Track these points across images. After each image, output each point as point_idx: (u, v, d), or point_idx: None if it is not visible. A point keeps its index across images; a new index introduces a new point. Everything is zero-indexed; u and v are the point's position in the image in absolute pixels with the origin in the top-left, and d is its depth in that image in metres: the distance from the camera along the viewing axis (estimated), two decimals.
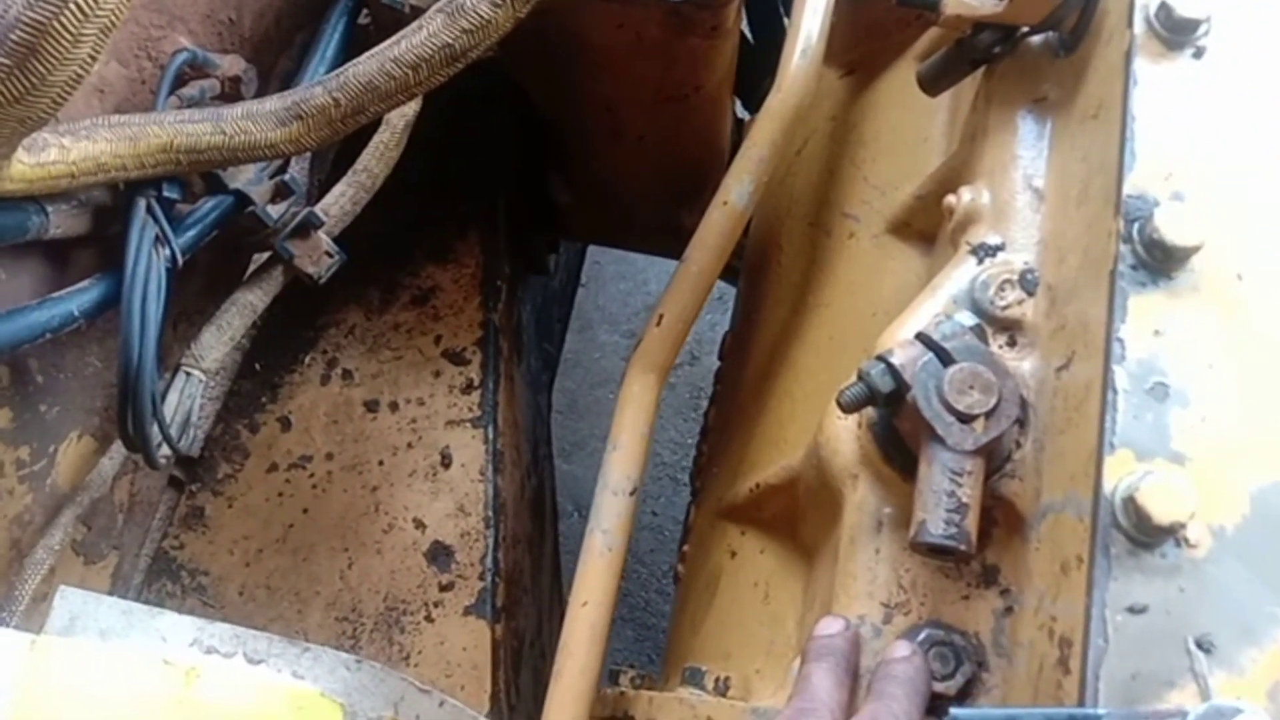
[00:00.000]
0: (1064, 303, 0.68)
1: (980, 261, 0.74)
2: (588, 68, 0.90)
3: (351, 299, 1.11)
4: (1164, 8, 0.63)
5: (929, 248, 0.94)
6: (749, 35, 1.45)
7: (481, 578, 1.00)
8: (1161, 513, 0.52)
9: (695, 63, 1.00)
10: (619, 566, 0.87)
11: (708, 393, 1.56)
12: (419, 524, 1.01)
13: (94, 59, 0.64)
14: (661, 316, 0.94)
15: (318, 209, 0.94)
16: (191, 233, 0.86)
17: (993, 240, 0.75)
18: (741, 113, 1.46)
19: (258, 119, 0.81)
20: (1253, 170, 0.61)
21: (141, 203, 0.81)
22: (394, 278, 1.12)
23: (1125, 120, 0.62)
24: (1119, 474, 0.54)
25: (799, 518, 0.86)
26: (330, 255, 0.93)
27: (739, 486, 0.97)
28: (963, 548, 0.62)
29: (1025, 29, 0.78)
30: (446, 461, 1.04)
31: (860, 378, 0.68)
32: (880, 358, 0.68)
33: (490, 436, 1.05)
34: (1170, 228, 0.57)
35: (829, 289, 1.00)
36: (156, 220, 0.81)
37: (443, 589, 1.00)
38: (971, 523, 0.62)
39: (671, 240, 1.42)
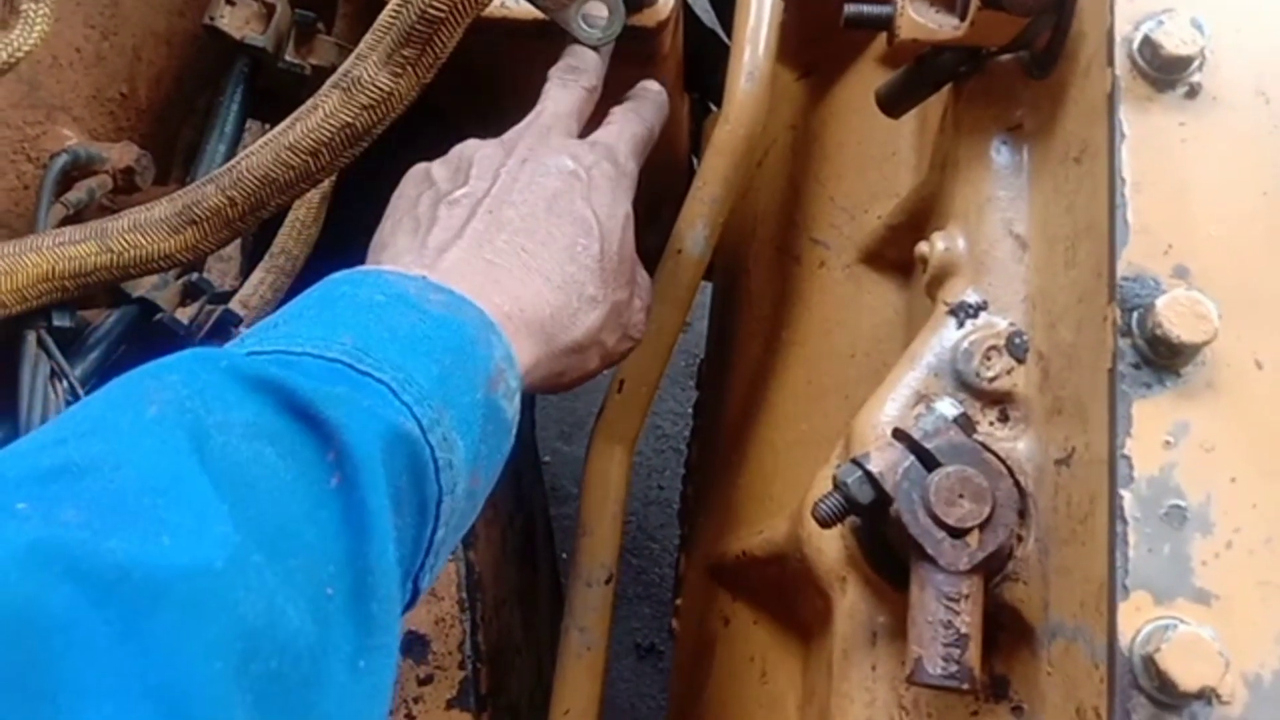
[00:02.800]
0: (1058, 380, 0.60)
1: (960, 324, 0.66)
2: (524, 105, 0.81)
3: None
4: (1149, 45, 0.55)
5: (904, 279, 0.86)
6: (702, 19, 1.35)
7: (462, 666, 0.94)
8: (1189, 677, 0.45)
9: None
10: (600, 666, 0.80)
11: (702, 358, 1.49)
12: None
13: None
14: (623, 383, 0.86)
15: (235, 303, 0.86)
16: (94, 354, 0.78)
17: (973, 298, 0.67)
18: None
19: (147, 229, 0.73)
20: (1263, 231, 0.53)
21: (30, 337, 0.73)
22: None
23: (1114, 183, 0.54)
24: (1136, 623, 0.47)
25: (789, 593, 0.80)
26: None
27: (726, 546, 0.90)
28: (965, 687, 0.55)
29: (991, 49, 0.69)
30: None
31: (836, 487, 0.61)
32: (857, 462, 0.60)
33: None
34: (1176, 321, 0.49)
35: (803, 324, 0.92)
36: (49, 354, 0.73)
37: (421, 683, 0.93)
38: (973, 655, 0.55)
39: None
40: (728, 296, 1.06)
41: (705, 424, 1.10)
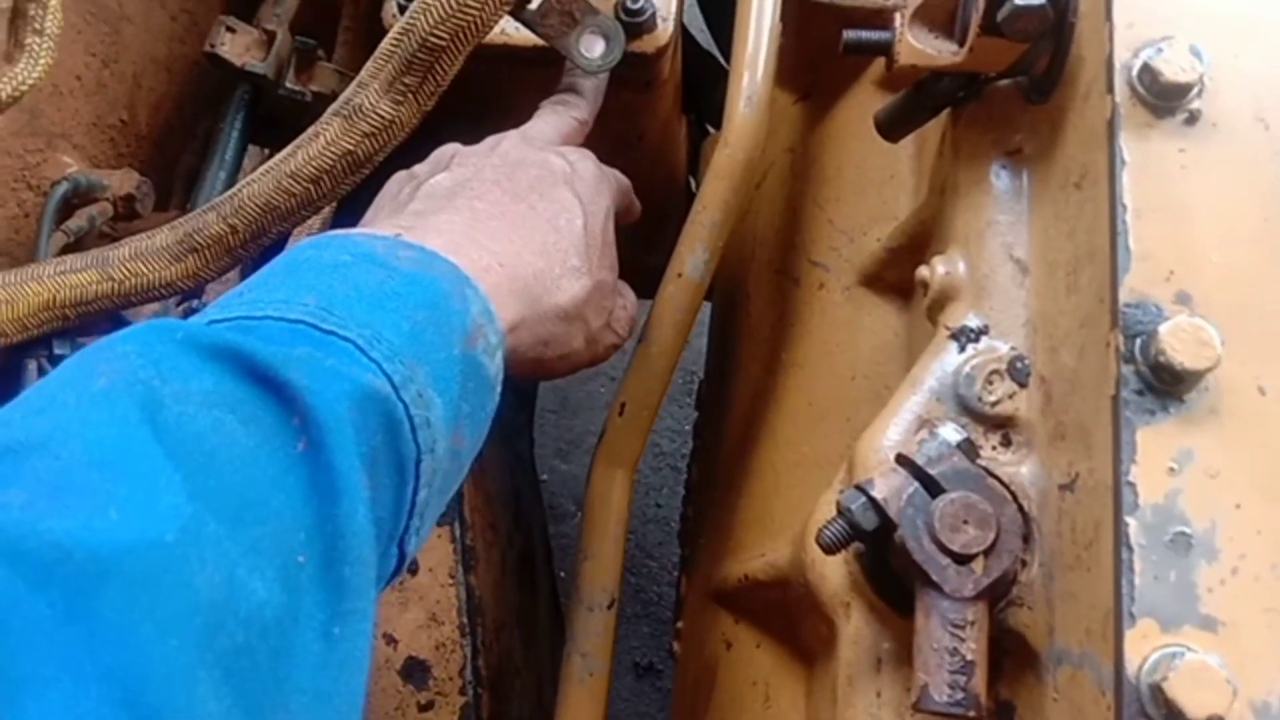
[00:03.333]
0: (1061, 405, 0.60)
1: (962, 348, 0.66)
2: (517, 125, 0.82)
3: None
4: (1148, 71, 0.55)
5: (904, 301, 0.86)
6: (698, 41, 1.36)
7: (463, 691, 0.94)
8: (1197, 706, 0.45)
9: (633, 116, 0.91)
10: (603, 692, 0.80)
11: (701, 377, 1.49)
12: (390, 639, 0.94)
13: None
14: (624, 405, 0.86)
15: None
16: None
17: (974, 323, 0.67)
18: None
19: (148, 258, 0.73)
20: (1264, 257, 0.53)
21: (31, 366, 0.73)
22: None
23: (1115, 209, 0.54)
24: (1142, 651, 0.47)
25: (792, 616, 0.79)
26: None
27: (728, 569, 0.90)
28: (971, 714, 0.55)
29: (990, 75, 0.70)
30: (413, 568, 0.96)
31: (840, 513, 0.60)
32: (860, 488, 0.60)
33: (457, 534, 0.98)
34: (1179, 348, 0.50)
35: (803, 346, 0.92)
36: None
37: (422, 709, 0.93)
38: (979, 682, 0.55)
39: (639, 281, 1.34)
40: (727, 318, 1.06)
41: (705, 445, 1.09)
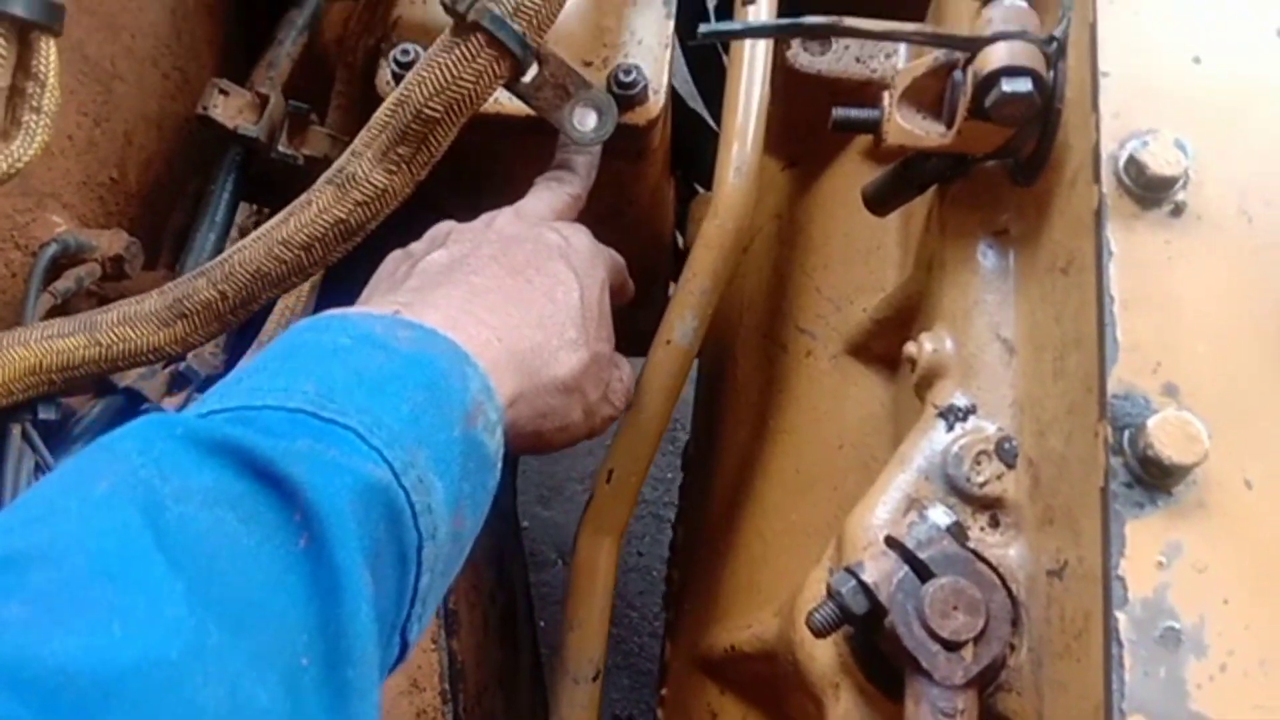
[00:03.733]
0: (1049, 489, 0.60)
1: (950, 427, 0.67)
2: (511, 192, 0.82)
3: None
4: (1134, 164, 0.56)
5: (890, 372, 0.87)
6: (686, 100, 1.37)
7: None
8: None
9: (623, 183, 0.92)
10: None
11: (685, 425, 1.48)
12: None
13: None
14: (611, 472, 0.86)
15: None
16: (78, 446, 0.77)
17: (961, 402, 0.67)
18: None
19: (137, 323, 0.73)
20: (1249, 349, 0.54)
21: (15, 430, 0.72)
22: None
23: (1102, 299, 0.55)
24: None
25: (779, 691, 0.79)
26: None
27: (714, 638, 0.89)
28: None
29: (977, 155, 0.71)
30: None
31: (831, 596, 0.60)
32: (851, 572, 0.60)
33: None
34: (1167, 443, 0.50)
35: (790, 413, 0.92)
36: (34, 448, 0.72)
37: None
38: None
39: (626, 338, 1.34)
40: (713, 379, 1.06)
41: (691, 507, 1.09)
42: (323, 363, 0.54)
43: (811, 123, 0.98)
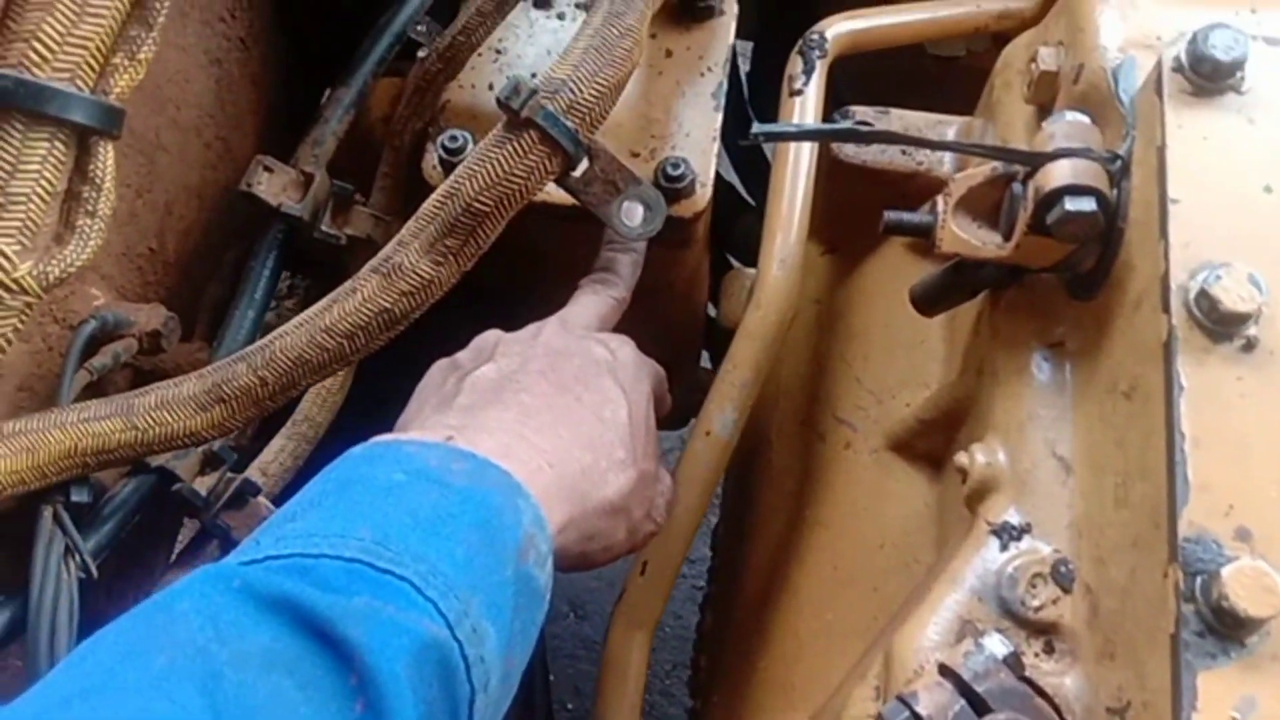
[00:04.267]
0: (1109, 622, 0.59)
1: (1004, 546, 0.65)
2: (556, 274, 0.81)
3: None
4: (1207, 298, 0.55)
5: (934, 471, 0.85)
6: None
7: None
8: None
9: (664, 268, 0.91)
10: None
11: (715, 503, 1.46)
12: None
13: None
14: (645, 564, 0.85)
15: (254, 470, 0.84)
16: (108, 526, 0.76)
17: (1015, 519, 0.66)
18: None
19: (174, 407, 0.72)
20: None
21: (47, 513, 0.71)
22: None
23: (1173, 436, 0.53)
24: None
25: None
26: None
27: None
28: None
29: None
30: None
31: None
32: (904, 701, 0.58)
33: None
34: (1243, 595, 0.49)
35: (828, 507, 0.91)
36: (65, 531, 0.71)
37: None
38: None
39: (660, 417, 1.32)
40: (748, 462, 1.05)
41: (721, 592, 1.07)
42: (377, 502, 0.54)
43: (855, 211, 0.98)
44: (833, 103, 1.02)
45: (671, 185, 0.79)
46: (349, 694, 0.45)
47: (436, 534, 0.53)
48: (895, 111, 0.96)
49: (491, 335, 0.73)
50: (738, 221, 1.38)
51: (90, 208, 0.53)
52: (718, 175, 1.42)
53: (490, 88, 0.86)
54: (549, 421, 0.64)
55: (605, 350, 0.71)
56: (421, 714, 0.47)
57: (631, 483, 0.67)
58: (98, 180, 0.53)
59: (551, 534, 0.59)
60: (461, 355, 0.73)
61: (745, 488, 1.05)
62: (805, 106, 0.91)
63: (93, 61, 0.50)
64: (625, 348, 0.73)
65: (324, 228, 0.86)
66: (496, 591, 0.53)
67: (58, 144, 0.50)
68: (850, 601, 0.85)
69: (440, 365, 0.73)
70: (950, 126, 0.94)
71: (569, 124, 0.69)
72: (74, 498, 0.72)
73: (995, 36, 1.04)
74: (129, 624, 0.47)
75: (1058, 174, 0.63)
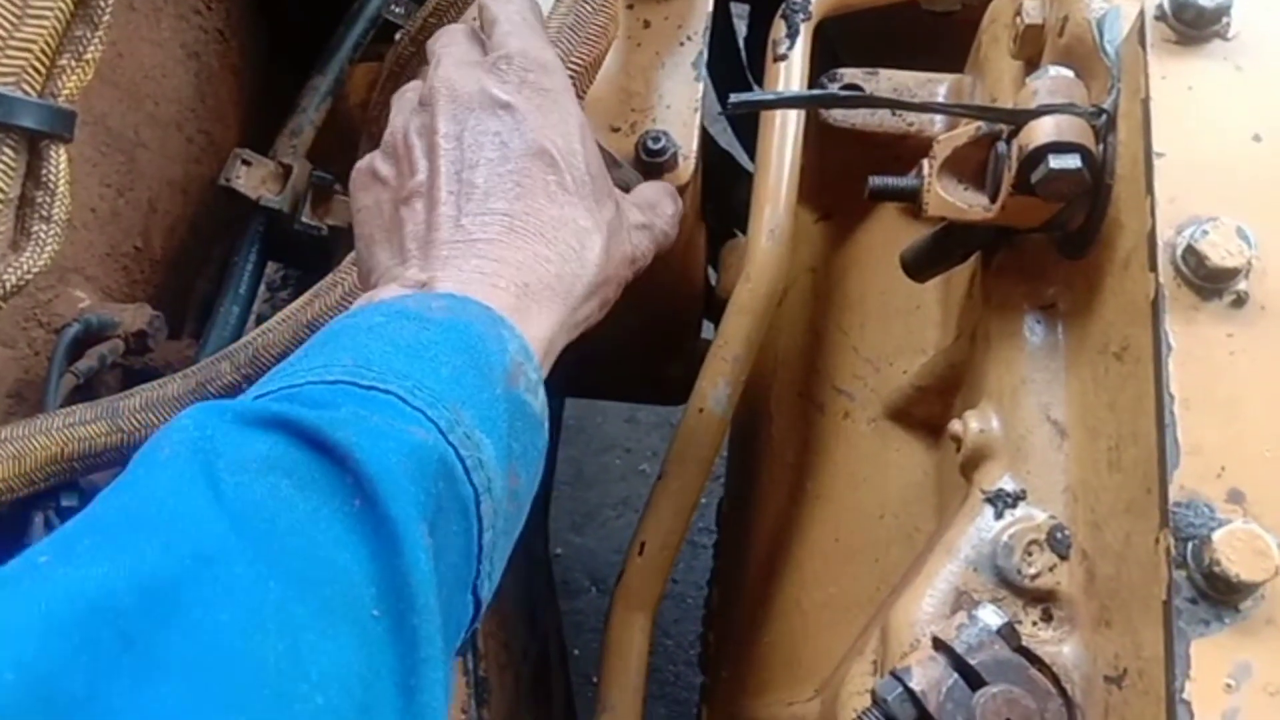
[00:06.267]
0: (1105, 588, 0.57)
1: (999, 514, 0.64)
2: None
3: None
4: (1194, 254, 0.53)
5: (933, 439, 0.84)
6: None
7: None
8: None
9: None
10: None
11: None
12: None
13: None
14: (644, 545, 0.84)
15: None
16: None
17: (1010, 486, 0.64)
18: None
19: (159, 408, 0.71)
20: None
21: (38, 519, 0.71)
22: None
23: (1162, 398, 0.52)
24: None
25: None
26: None
27: (753, 712, 0.87)
28: None
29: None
30: None
31: (875, 702, 0.58)
32: (898, 677, 0.57)
33: (471, 666, 0.94)
34: (1234, 559, 0.47)
35: (828, 478, 0.90)
36: None
37: None
38: None
39: (657, 391, 1.32)
40: (748, 436, 1.04)
41: (726, 568, 1.07)
42: (358, 339, 0.54)
43: (846, 176, 0.95)
44: (829, 62, 1.00)
45: (653, 159, 0.78)
46: (347, 491, 0.46)
47: (419, 357, 0.53)
48: (884, 72, 0.94)
49: (397, 124, 0.67)
50: (735, 190, 1.36)
51: (45, 213, 0.52)
52: (713, 143, 1.40)
53: None
54: (506, 229, 0.61)
55: (506, 96, 0.64)
56: (425, 507, 0.48)
57: (603, 244, 0.64)
58: (51, 185, 0.52)
59: (539, 363, 0.58)
60: (380, 165, 0.67)
61: (746, 462, 1.04)
62: (790, 72, 0.89)
63: (38, 64, 0.49)
64: (524, 76, 0.65)
65: (305, 219, 0.85)
66: (488, 408, 0.53)
67: (7, 150, 0.49)
68: (853, 574, 0.84)
69: (361, 181, 0.68)
70: (940, 85, 0.92)
71: None
72: (64, 503, 0.72)
73: None
74: (128, 469, 0.48)
75: (1041, 131, 0.61)
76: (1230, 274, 0.53)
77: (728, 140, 1.45)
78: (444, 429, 0.50)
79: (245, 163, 0.85)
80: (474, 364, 0.54)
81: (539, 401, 0.58)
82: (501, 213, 0.62)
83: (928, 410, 0.83)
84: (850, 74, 0.93)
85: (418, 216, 0.64)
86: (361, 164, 0.69)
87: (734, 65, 1.44)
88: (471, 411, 0.52)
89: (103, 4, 0.50)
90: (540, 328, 0.60)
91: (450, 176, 0.63)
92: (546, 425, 0.59)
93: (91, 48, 0.50)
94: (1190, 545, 0.49)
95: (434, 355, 0.54)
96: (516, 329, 0.58)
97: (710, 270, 1.28)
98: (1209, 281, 0.53)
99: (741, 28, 1.46)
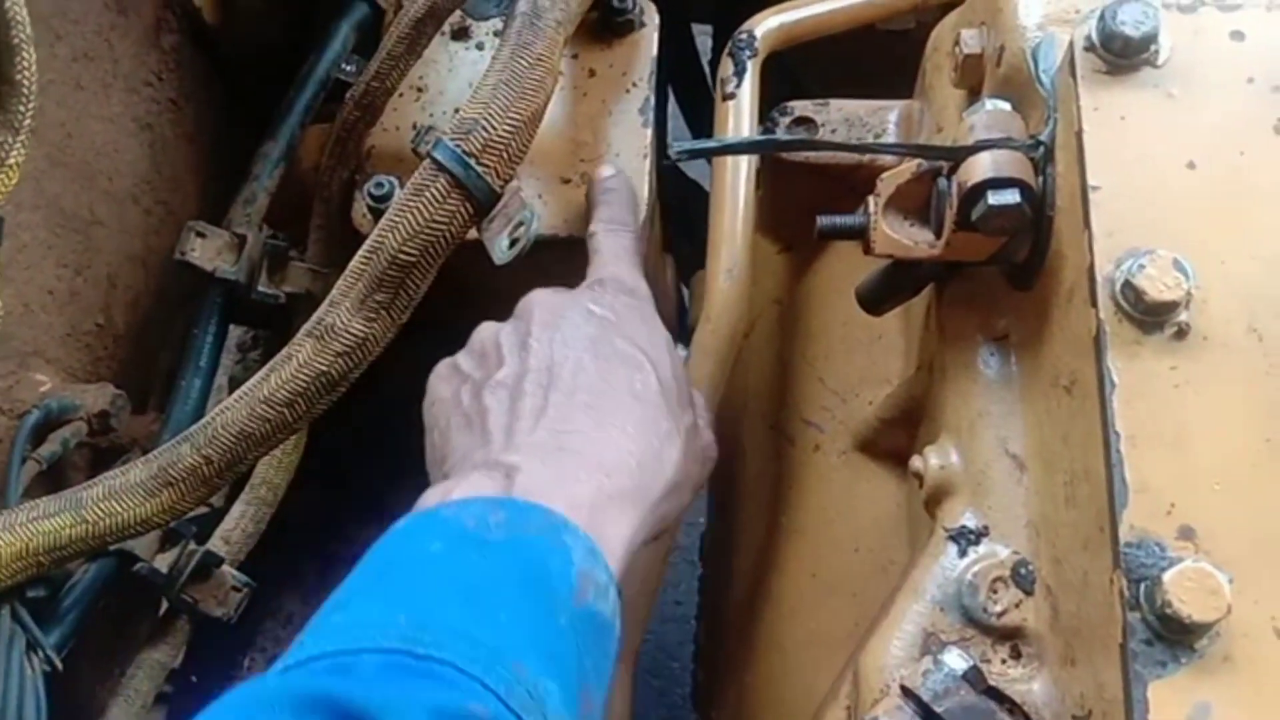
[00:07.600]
0: (1069, 625, 0.57)
1: (963, 552, 0.64)
2: (504, 302, 0.80)
3: (285, 584, 1.01)
4: (1132, 289, 0.53)
5: (902, 469, 0.83)
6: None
7: None
8: None
9: None
10: None
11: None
12: None
13: None
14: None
15: (216, 541, 0.84)
16: (70, 616, 0.75)
17: (973, 523, 0.64)
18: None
19: (122, 496, 0.71)
20: (1267, 483, 0.50)
21: (4, 613, 0.71)
22: (327, 548, 1.01)
23: (1109, 435, 0.52)
24: None
25: None
26: (238, 589, 0.82)
27: None
28: None
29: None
30: None
31: None
32: None
33: None
34: (1186, 599, 0.47)
35: (802, 512, 0.89)
36: (25, 628, 0.71)
37: None
38: None
39: None
40: (724, 472, 1.04)
41: (711, 605, 1.06)
42: (414, 581, 0.53)
43: (803, 209, 0.95)
44: (789, 89, 1.00)
45: None
46: None
47: (477, 603, 0.51)
48: (835, 103, 0.94)
49: (485, 331, 0.70)
50: (703, 218, 1.36)
51: None
52: (683, 177, 1.40)
53: (414, 128, 0.85)
54: (591, 424, 0.61)
55: (600, 309, 0.68)
56: None
57: (683, 448, 0.65)
58: None
59: (609, 561, 0.57)
60: (463, 361, 0.69)
61: (724, 496, 1.04)
62: (740, 110, 0.89)
63: None
64: (617, 297, 0.70)
65: (261, 288, 0.85)
66: (552, 643, 0.52)
67: None
68: (833, 609, 0.84)
69: (442, 375, 0.69)
70: (891, 111, 0.92)
71: (478, 168, 0.68)
72: (30, 594, 0.72)
73: (943, 6, 1.02)
74: None
75: (979, 168, 0.61)
76: (1169, 307, 0.52)
77: (698, 169, 1.45)
78: (503, 695, 0.49)
79: (199, 235, 0.85)
80: (536, 594, 0.53)
81: (609, 603, 0.56)
82: (588, 406, 0.63)
83: (894, 441, 0.82)
84: (801, 106, 0.93)
85: (503, 404, 0.64)
86: (444, 363, 0.70)
87: (700, 90, 1.44)
88: (534, 657, 0.51)
89: (23, 109, 0.50)
90: (619, 525, 0.59)
91: (540, 370, 0.65)
92: (618, 621, 0.57)
93: (14, 153, 0.50)
94: (1143, 586, 0.49)
95: (493, 598, 0.52)
96: (581, 532, 0.56)
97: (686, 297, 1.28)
98: (1149, 315, 0.53)
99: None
